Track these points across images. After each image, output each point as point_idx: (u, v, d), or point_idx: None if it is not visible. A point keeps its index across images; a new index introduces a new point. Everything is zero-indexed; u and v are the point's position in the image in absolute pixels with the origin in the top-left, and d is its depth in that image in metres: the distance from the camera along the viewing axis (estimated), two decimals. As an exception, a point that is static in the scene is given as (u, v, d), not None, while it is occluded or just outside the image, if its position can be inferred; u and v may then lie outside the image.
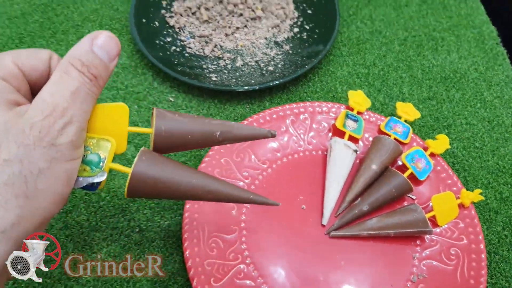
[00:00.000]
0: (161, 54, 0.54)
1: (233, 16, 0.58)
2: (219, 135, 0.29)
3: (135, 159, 0.28)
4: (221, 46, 0.57)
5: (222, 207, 0.42)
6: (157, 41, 0.55)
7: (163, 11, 0.59)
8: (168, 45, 0.56)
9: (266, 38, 0.58)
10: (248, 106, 0.52)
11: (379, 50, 0.58)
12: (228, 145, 0.45)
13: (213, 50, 0.56)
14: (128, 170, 0.28)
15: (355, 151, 0.44)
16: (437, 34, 0.60)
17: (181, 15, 0.59)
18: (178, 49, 0.56)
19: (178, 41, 0.56)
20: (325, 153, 0.46)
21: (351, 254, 0.40)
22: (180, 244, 0.43)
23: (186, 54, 0.55)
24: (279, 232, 0.41)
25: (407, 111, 0.48)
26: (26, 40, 0.57)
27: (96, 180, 0.28)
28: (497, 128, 0.52)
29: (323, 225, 0.42)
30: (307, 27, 0.58)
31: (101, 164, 0.28)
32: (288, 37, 0.58)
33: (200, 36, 0.57)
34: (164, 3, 0.60)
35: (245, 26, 0.58)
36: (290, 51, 0.56)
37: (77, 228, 0.43)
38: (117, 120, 0.28)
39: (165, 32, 0.57)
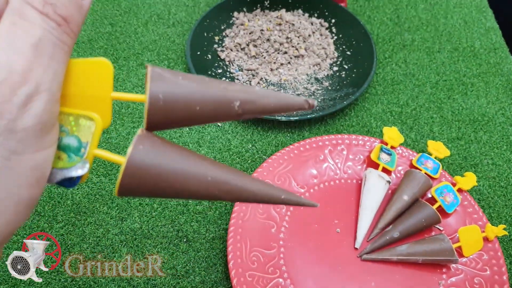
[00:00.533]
0: (212, 83, 0.60)
1: (278, 53, 0.64)
2: (239, 106, 0.21)
3: (131, 146, 0.20)
4: (266, 79, 0.62)
5: (263, 225, 0.47)
6: (209, 72, 0.61)
7: (215, 46, 0.65)
8: (219, 76, 0.62)
9: (307, 75, 0.63)
10: (288, 135, 0.57)
11: (412, 91, 0.63)
12: (270, 168, 0.50)
13: (258, 83, 0.62)
14: (121, 161, 0.20)
15: (388, 182, 0.48)
16: (467, 79, 0.64)
17: (231, 50, 0.65)
18: (227, 81, 0.61)
19: (227, 73, 0.62)
20: (360, 182, 0.50)
21: (381, 276, 0.44)
22: (222, 256, 0.47)
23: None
24: (315, 251, 0.45)
25: (438, 148, 0.52)
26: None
27: (75, 173, 0.20)
28: (522, 170, 0.55)
29: (356, 248, 0.45)
30: (346, 67, 0.63)
31: (82, 150, 0.21)
32: (327, 74, 0.63)
33: (248, 70, 0.63)
34: (216, 38, 0.66)
35: (289, 62, 0.64)
36: (329, 88, 0.61)
37: (131, 235, 0.48)
38: (98, 83, 0.21)
39: (216, 64, 0.63)
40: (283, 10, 0.70)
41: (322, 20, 0.69)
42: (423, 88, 0.63)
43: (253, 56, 0.64)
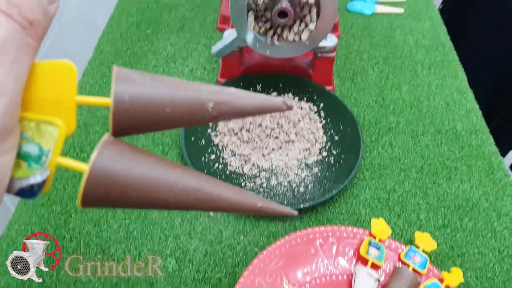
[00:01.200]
0: (205, 170, 0.62)
1: (269, 138, 0.67)
2: (213, 107, 0.20)
3: (94, 152, 0.19)
4: (258, 165, 0.64)
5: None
6: (203, 159, 0.63)
7: (209, 130, 0.68)
8: (212, 162, 0.63)
9: (297, 160, 0.65)
10: (280, 224, 0.58)
11: (398, 176, 0.65)
12: (262, 264, 0.51)
13: (251, 169, 0.64)
14: (84, 169, 0.19)
15: (378, 280, 0.49)
16: (451, 163, 0.67)
17: (224, 134, 0.68)
18: (220, 167, 0.63)
19: (221, 159, 0.64)
20: (350, 278, 0.51)
21: None
22: None
23: (227, 172, 0.63)
24: None
25: (425, 241, 0.53)
26: (86, 149, 0.66)
27: (33, 181, 0.19)
28: (507, 258, 0.56)
29: None
30: (334, 152, 0.66)
31: (43, 158, 0.19)
32: (317, 160, 0.65)
33: (240, 155, 0.65)
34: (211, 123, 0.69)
35: (280, 147, 0.66)
36: (319, 173, 0.63)
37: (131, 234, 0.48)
38: (62, 86, 0.20)
39: (210, 150, 0.65)
40: (274, 95, 0.73)
41: (311, 104, 0.72)
42: (409, 173, 0.65)
43: (246, 141, 0.66)
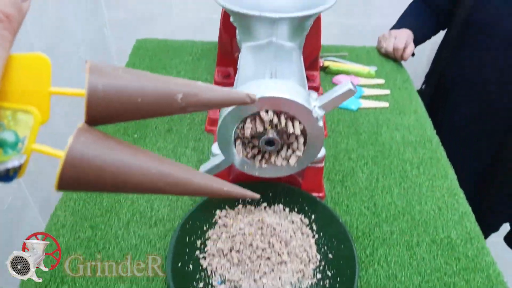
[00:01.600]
0: (195, 302, 0.58)
1: (261, 259, 0.64)
2: (182, 99, 0.23)
3: (70, 138, 0.21)
4: (249, 292, 0.61)
5: None
6: (190, 287, 0.60)
7: (197, 252, 0.65)
8: (201, 291, 0.60)
9: (291, 284, 0.62)
10: None
11: (396, 297, 0.62)
12: None
13: (242, 297, 0.60)
14: (60, 155, 0.21)
15: None
16: (448, 278, 0.65)
17: (213, 255, 0.65)
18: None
19: (209, 286, 0.61)
20: None
21: None
22: None
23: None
24: None
25: None
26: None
27: (11, 164, 0.20)
28: None
29: None
30: (329, 274, 0.63)
31: (19, 145, 0.21)
32: (311, 283, 0.63)
33: (230, 281, 0.62)
34: (199, 243, 0.66)
35: (272, 270, 0.64)
36: (314, 299, 0.60)
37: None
38: (36, 78, 0.21)
39: (197, 276, 0.62)
40: (264, 205, 0.71)
41: (303, 216, 0.71)
42: (407, 292, 0.63)
43: (236, 263, 0.64)
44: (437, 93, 1.20)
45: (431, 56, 2.09)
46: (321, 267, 0.65)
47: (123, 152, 0.22)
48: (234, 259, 0.64)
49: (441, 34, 1.23)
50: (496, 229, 1.28)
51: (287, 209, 0.72)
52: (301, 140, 0.58)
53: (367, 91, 1.00)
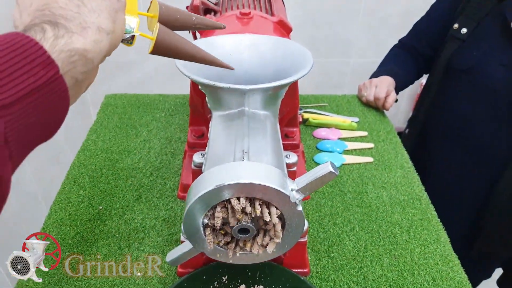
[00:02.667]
0: None
1: None
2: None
3: (157, 27, 0.41)
4: None
5: None
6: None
7: None
8: None
9: None
10: None
11: None
12: None
13: None
14: (152, 37, 0.41)
15: None
16: None
17: None
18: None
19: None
20: None
21: None
22: None
23: None
24: None
25: None
26: None
27: (129, 35, 0.40)
28: None
29: None
30: None
31: (132, 29, 0.40)
32: None
33: None
34: None
35: None
36: None
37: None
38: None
39: None
40: (243, 287, 0.64)
41: (285, 299, 0.64)
42: None
43: None
44: (420, 138, 1.16)
45: (412, 97, 2.08)
46: None
47: (182, 39, 0.43)
48: None
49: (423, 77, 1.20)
50: (488, 275, 1.22)
51: (268, 292, 0.65)
52: (279, 226, 0.52)
53: (350, 145, 0.95)
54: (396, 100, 1.09)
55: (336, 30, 1.80)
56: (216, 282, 0.66)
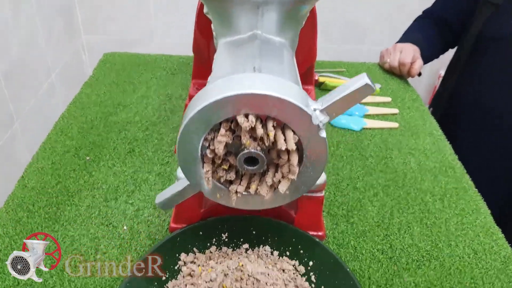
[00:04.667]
0: None
1: (239, 325, 0.46)
2: None
3: None
4: None
5: None
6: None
7: (151, 314, 0.47)
8: None
9: None
10: None
11: None
12: None
13: None
14: None
15: None
16: None
17: (173, 319, 0.47)
18: None
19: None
20: None
21: None
22: None
23: None
24: None
25: None
26: None
27: None
28: None
29: None
30: None
31: None
32: None
33: None
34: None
35: None
36: None
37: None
38: None
39: None
40: (245, 248, 0.54)
41: (297, 263, 0.53)
42: None
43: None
44: (445, 117, 1.05)
45: (432, 78, 1.96)
46: (324, 336, 0.47)
47: None
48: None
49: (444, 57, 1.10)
50: None
51: (275, 253, 0.54)
52: (295, 158, 0.41)
53: (372, 110, 0.84)
54: (420, 74, 0.99)
55: (351, 16, 1.70)
56: (214, 240, 0.55)
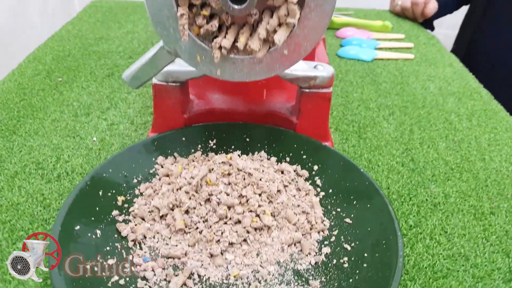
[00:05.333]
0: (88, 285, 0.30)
1: (225, 223, 0.36)
2: None
3: None
4: (200, 276, 0.33)
5: None
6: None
7: (115, 213, 0.37)
8: (105, 272, 0.32)
9: (279, 264, 0.34)
10: None
11: (474, 290, 0.34)
12: None
13: (185, 285, 0.32)
14: None
15: None
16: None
17: (143, 219, 0.37)
18: (121, 282, 0.31)
19: (126, 267, 0.33)
20: None
21: None
22: None
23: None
24: None
25: None
26: None
27: None
28: None
29: None
30: (348, 247, 0.35)
31: None
32: (316, 263, 0.34)
33: (168, 257, 0.34)
34: (120, 200, 0.38)
35: (245, 240, 0.35)
36: (322, 291, 0.32)
37: None
38: None
39: (108, 248, 0.34)
40: (237, 154, 0.44)
41: (299, 168, 0.43)
42: (488, 281, 0.34)
43: (180, 230, 0.36)
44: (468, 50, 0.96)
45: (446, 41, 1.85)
46: (333, 239, 0.36)
47: None
48: (178, 223, 0.36)
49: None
50: None
51: (273, 159, 0.45)
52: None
53: (383, 44, 0.75)
54: (432, 28, 0.90)
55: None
56: (199, 146, 0.46)
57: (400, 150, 0.50)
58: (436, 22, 0.92)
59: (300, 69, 0.44)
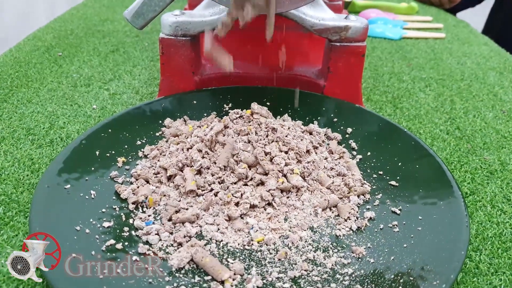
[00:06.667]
0: (77, 247, 0.23)
1: (245, 184, 0.30)
2: None
3: None
4: (217, 242, 0.26)
5: None
6: (78, 227, 0.25)
7: (113, 173, 0.31)
8: (106, 237, 0.25)
9: (312, 229, 0.27)
10: None
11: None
12: None
13: (198, 252, 0.25)
14: None
15: None
16: None
17: (147, 181, 0.31)
18: (120, 247, 0.25)
19: (125, 231, 0.26)
20: None
21: None
22: None
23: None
24: None
25: None
26: None
27: None
28: None
29: None
30: (397, 211, 0.28)
31: None
32: (359, 228, 0.28)
33: (175, 222, 0.27)
34: (120, 161, 0.32)
35: (269, 203, 0.29)
36: (370, 259, 0.25)
37: None
38: None
39: (104, 210, 0.28)
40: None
41: (329, 130, 0.37)
42: None
43: (191, 191, 0.29)
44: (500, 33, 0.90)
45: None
46: (376, 202, 0.30)
47: None
48: (188, 183, 0.29)
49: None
50: None
51: (299, 122, 0.38)
52: None
53: (411, 25, 0.70)
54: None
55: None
56: (212, 111, 0.40)
57: (443, 119, 0.43)
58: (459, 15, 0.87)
59: (330, 18, 0.39)
